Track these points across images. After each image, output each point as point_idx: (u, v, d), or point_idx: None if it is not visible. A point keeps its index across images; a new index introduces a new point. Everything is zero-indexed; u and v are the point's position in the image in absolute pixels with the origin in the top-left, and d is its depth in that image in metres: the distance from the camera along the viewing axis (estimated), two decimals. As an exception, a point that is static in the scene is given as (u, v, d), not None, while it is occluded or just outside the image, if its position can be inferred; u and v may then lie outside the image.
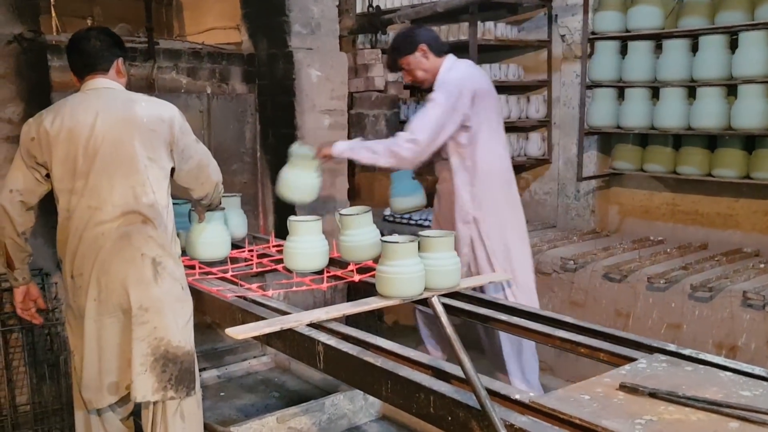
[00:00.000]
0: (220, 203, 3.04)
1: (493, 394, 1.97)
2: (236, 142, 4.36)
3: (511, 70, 5.04)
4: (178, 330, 2.51)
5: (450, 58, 3.35)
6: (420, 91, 5.23)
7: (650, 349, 2.30)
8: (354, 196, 5.95)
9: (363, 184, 5.96)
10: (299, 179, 3.40)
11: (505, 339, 3.36)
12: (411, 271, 2.60)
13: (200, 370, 3.99)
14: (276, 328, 2.47)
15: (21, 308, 2.74)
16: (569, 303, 4.09)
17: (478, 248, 3.35)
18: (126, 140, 2.48)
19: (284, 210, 4.03)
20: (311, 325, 2.53)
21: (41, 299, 2.80)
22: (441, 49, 3.36)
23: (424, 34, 3.36)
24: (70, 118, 2.47)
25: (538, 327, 2.52)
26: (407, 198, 3.69)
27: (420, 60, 3.33)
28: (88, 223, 2.46)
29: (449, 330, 1.71)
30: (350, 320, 4.90)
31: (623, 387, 1.91)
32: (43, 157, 2.50)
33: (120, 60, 2.64)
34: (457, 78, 3.25)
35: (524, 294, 3.35)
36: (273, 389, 3.99)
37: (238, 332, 2.43)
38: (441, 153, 3.34)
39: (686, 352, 2.22)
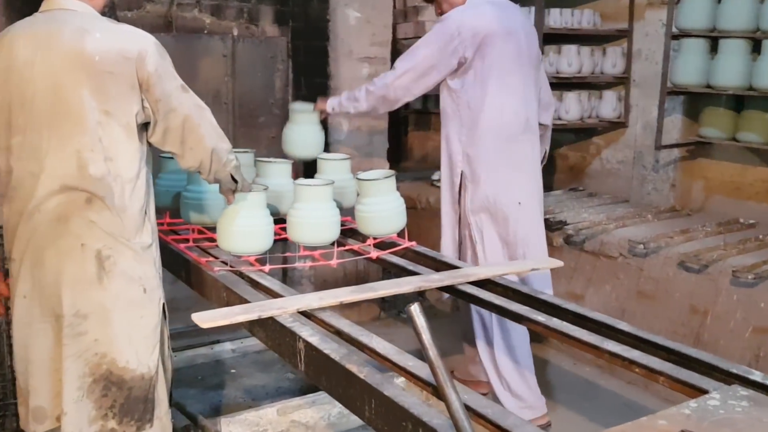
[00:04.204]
0: (240, 183, 2.25)
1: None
2: (264, 92, 3.90)
3: (585, 17, 4.38)
4: (129, 346, 1.95)
5: None
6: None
7: (728, 376, 1.74)
8: (403, 158, 5.44)
9: (415, 144, 5.43)
10: (302, 135, 3.20)
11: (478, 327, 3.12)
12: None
13: (214, 342, 3.68)
14: (252, 316, 2.02)
15: None
16: (636, 293, 3.49)
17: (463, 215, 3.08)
18: (69, 86, 1.84)
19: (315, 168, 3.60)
20: (303, 313, 2.08)
21: (3, 285, 2.15)
22: None
23: None
24: (8, 52, 1.87)
25: (583, 335, 1.97)
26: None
27: None
28: (29, 195, 1.89)
29: (431, 353, 1.20)
30: (389, 297, 4.46)
31: (685, 438, 1.38)
32: None
33: None
34: (458, 16, 2.91)
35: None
36: (290, 369, 3.58)
37: (204, 320, 1.99)
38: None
39: (777, 385, 1.65)
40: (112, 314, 1.92)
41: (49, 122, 1.86)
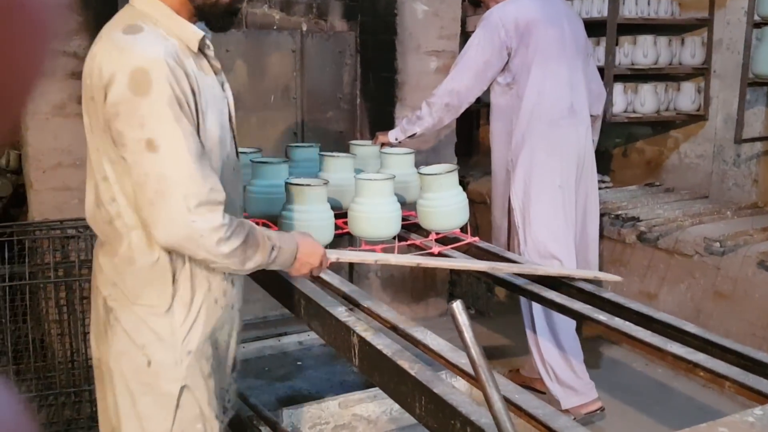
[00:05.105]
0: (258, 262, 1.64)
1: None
2: (332, 87, 3.91)
3: (662, 6, 4.20)
4: (125, 417, 1.61)
5: None
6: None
7: (800, 383, 1.64)
8: (474, 152, 5.38)
9: (487, 139, 5.35)
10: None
11: (526, 312, 3.13)
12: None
13: (281, 335, 3.73)
14: (332, 257, 1.99)
15: None
16: (713, 293, 3.34)
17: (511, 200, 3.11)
18: (84, 110, 1.56)
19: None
20: (360, 309, 2.09)
21: None
22: None
23: None
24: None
25: (646, 336, 1.91)
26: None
27: None
28: None
29: (474, 351, 1.18)
30: (457, 292, 4.42)
31: (746, 448, 1.31)
32: None
33: None
34: (499, 10, 2.96)
35: (533, 255, 2.98)
36: (355, 363, 3.60)
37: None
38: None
39: None
40: (113, 375, 1.61)
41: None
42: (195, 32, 1.57)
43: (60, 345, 2.90)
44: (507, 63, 2.97)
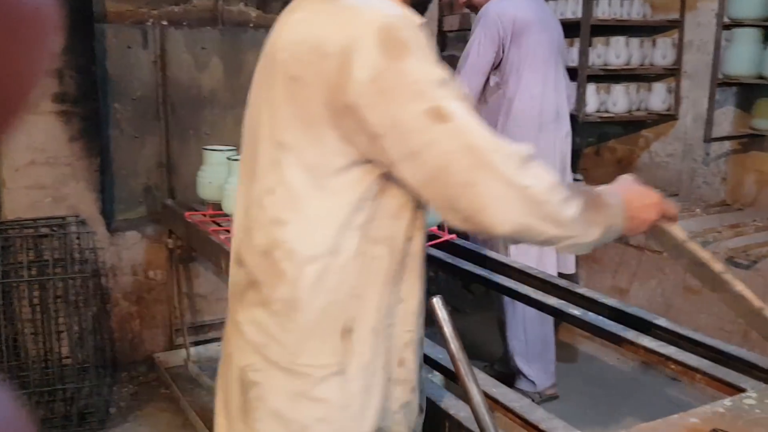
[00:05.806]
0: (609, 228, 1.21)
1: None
2: (309, 85, 3.92)
3: (634, 8, 4.26)
4: None
5: None
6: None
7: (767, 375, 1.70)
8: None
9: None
10: None
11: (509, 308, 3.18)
12: None
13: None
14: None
15: None
16: (683, 289, 3.41)
17: None
18: (254, 100, 1.23)
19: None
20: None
21: None
22: None
23: None
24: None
25: (618, 330, 1.95)
26: None
27: None
28: None
29: (453, 346, 1.20)
30: (434, 289, 4.46)
31: (716, 437, 1.35)
32: None
33: None
34: (495, 6, 2.97)
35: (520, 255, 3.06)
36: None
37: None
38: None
39: (818, 386, 1.60)
40: None
41: (243, 154, 1.28)
42: (413, 14, 1.15)
43: (33, 344, 2.89)
44: (498, 62, 3.00)
